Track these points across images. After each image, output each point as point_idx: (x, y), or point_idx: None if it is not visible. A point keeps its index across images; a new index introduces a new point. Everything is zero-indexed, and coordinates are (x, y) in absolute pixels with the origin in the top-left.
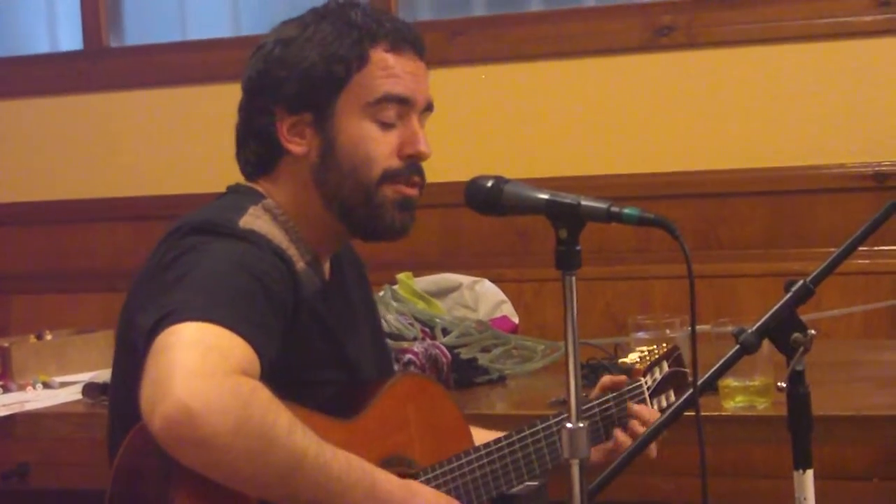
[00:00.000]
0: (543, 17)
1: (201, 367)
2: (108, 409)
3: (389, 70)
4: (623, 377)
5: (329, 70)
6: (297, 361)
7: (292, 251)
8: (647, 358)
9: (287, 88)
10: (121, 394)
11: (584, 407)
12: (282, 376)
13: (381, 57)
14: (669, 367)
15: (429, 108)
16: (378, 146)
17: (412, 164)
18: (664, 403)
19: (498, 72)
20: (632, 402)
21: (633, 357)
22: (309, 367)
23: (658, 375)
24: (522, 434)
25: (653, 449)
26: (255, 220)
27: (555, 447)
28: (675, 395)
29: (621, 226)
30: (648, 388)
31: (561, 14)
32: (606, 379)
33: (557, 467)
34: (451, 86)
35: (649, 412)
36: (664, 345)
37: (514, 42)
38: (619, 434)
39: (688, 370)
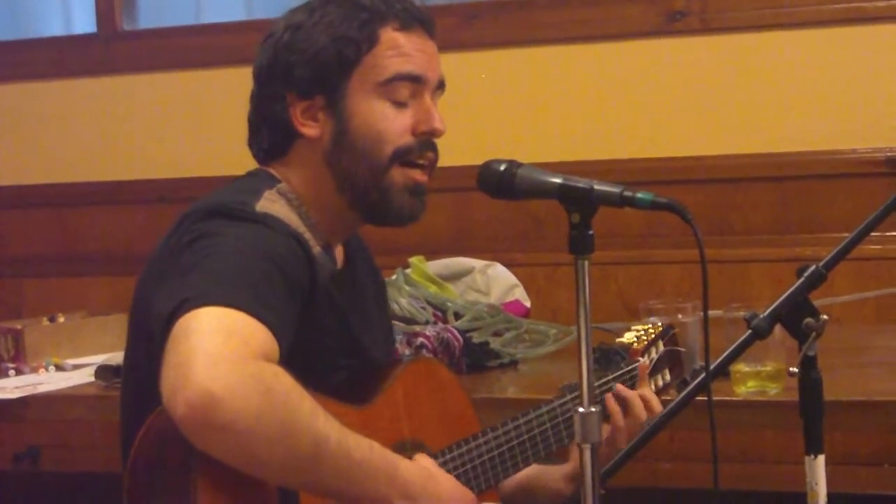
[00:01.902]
0: (557, 1)
1: (223, 352)
2: (121, 395)
3: (400, 49)
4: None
5: (339, 52)
6: (312, 346)
7: (308, 236)
8: (644, 338)
9: (298, 73)
10: (134, 378)
11: (597, 383)
12: (295, 360)
13: (391, 36)
14: (664, 346)
15: (440, 86)
16: (391, 124)
17: (426, 140)
18: (661, 383)
19: (512, 56)
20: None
21: (629, 336)
22: (322, 351)
23: (655, 355)
24: (528, 417)
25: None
26: (271, 204)
27: (559, 429)
28: (671, 374)
29: (633, 210)
30: (646, 369)
31: None
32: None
33: (562, 449)
34: (466, 70)
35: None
36: (659, 325)
37: (528, 26)
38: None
39: (683, 349)
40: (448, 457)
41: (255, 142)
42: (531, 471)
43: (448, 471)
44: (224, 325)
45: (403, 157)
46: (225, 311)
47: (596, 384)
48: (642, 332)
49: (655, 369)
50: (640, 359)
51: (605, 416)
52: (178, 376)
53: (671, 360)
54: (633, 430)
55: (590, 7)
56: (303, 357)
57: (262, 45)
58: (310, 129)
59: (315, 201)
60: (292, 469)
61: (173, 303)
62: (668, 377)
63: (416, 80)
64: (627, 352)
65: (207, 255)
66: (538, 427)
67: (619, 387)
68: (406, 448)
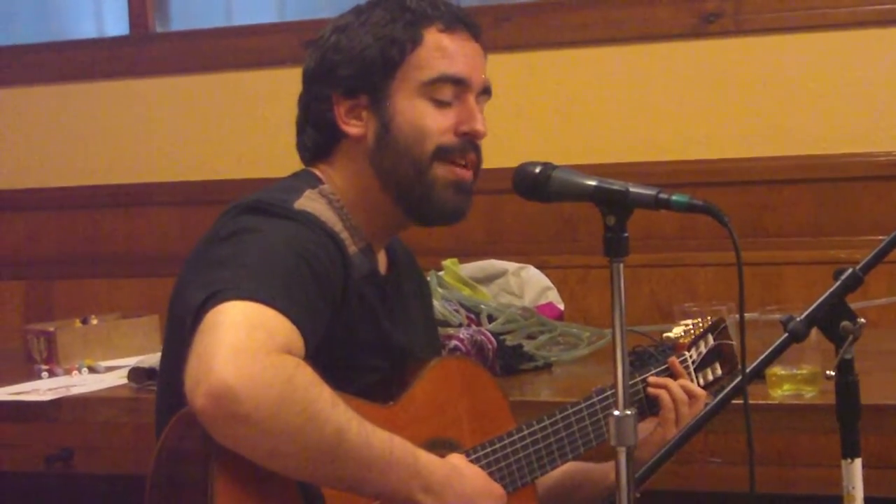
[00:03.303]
0: (590, 3)
1: (246, 345)
2: (156, 391)
3: (444, 50)
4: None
5: (383, 52)
6: (342, 344)
7: (345, 235)
8: (692, 332)
9: (343, 72)
10: (171, 374)
11: (630, 383)
12: (326, 359)
13: (436, 37)
14: (714, 340)
15: (486, 91)
16: (433, 122)
17: (468, 141)
18: (710, 377)
19: (544, 58)
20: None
21: (677, 331)
22: (353, 351)
23: (703, 349)
24: (566, 413)
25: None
26: (310, 202)
27: (598, 425)
28: (721, 368)
29: (666, 213)
30: (693, 363)
31: (608, 0)
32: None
33: (602, 445)
34: (496, 72)
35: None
36: (708, 318)
37: (560, 28)
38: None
39: (733, 342)
40: (480, 453)
41: (300, 142)
42: (570, 468)
43: (481, 467)
44: (250, 318)
45: (445, 156)
46: (252, 306)
47: (640, 377)
48: (691, 326)
49: (704, 363)
50: (686, 353)
51: (646, 413)
52: (199, 368)
53: (721, 354)
54: (681, 420)
55: (622, 9)
56: (332, 355)
57: (311, 48)
58: (354, 129)
59: (359, 201)
60: (311, 461)
61: (203, 295)
62: (718, 371)
63: (459, 83)
64: (671, 349)
65: (240, 250)
66: (577, 423)
67: (653, 378)
68: (436, 446)
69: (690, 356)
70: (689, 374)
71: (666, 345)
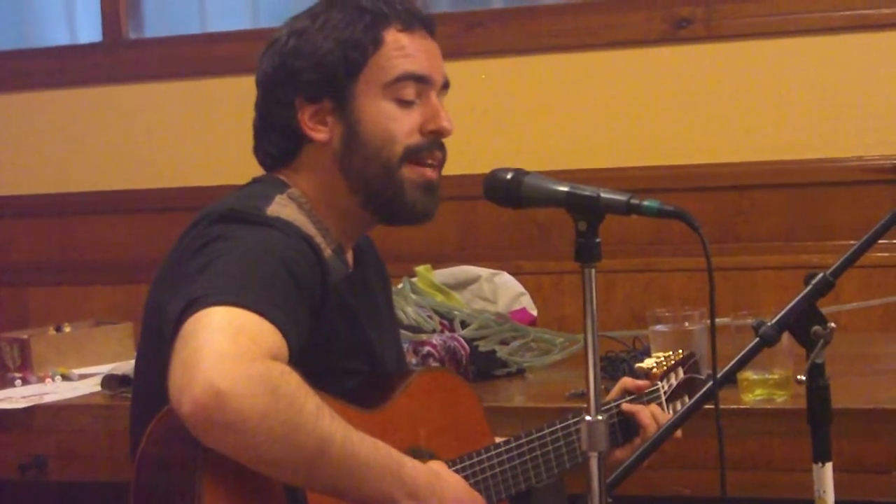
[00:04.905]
0: (562, 9)
1: (231, 350)
2: (131, 399)
3: (404, 50)
4: (645, 382)
5: (345, 56)
6: (323, 349)
7: (319, 239)
8: (664, 363)
9: (305, 78)
10: (146, 382)
11: (604, 407)
12: (308, 364)
13: (395, 37)
14: (685, 373)
15: (445, 86)
16: (399, 124)
17: (434, 140)
18: (679, 409)
19: (516, 64)
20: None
21: (649, 362)
22: (334, 354)
23: (674, 381)
24: (542, 433)
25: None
26: (282, 208)
27: (573, 447)
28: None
29: (639, 218)
30: (665, 394)
31: (579, 6)
32: (628, 381)
33: (576, 467)
34: (468, 78)
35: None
36: (680, 351)
37: (532, 34)
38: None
39: (703, 377)
40: (459, 466)
41: (261, 149)
42: None
43: None
44: (232, 323)
45: (413, 156)
46: (234, 311)
47: (613, 403)
48: (662, 359)
49: (674, 395)
50: (659, 383)
51: (619, 441)
52: (185, 374)
53: (691, 387)
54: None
55: (594, 15)
56: (315, 360)
57: (266, 53)
58: (319, 134)
59: (326, 204)
60: (297, 468)
61: (183, 303)
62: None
63: (421, 80)
64: (639, 374)
65: (218, 258)
66: (552, 443)
67: (626, 405)
68: (415, 456)
69: (662, 387)
70: (661, 404)
71: (639, 373)
